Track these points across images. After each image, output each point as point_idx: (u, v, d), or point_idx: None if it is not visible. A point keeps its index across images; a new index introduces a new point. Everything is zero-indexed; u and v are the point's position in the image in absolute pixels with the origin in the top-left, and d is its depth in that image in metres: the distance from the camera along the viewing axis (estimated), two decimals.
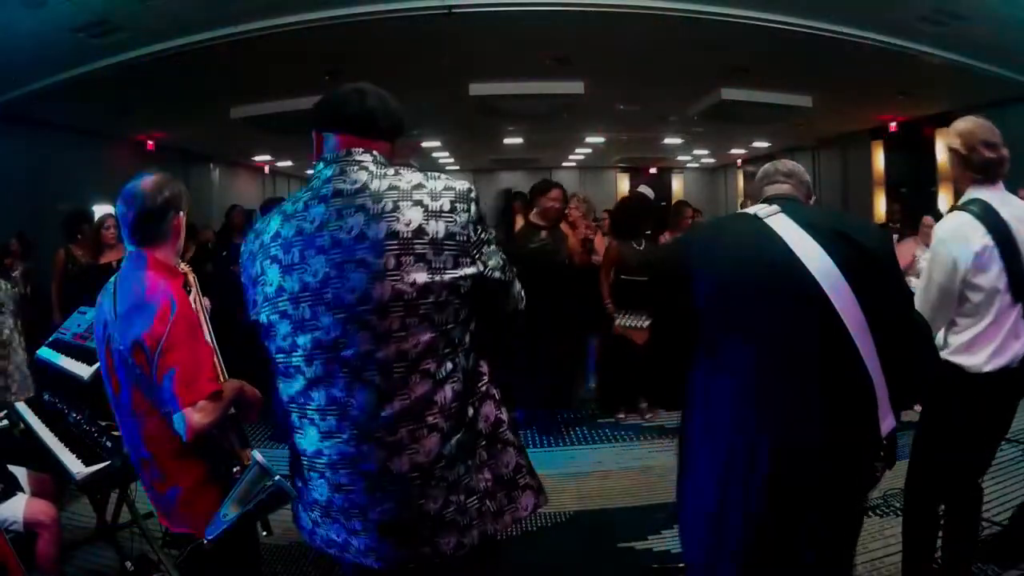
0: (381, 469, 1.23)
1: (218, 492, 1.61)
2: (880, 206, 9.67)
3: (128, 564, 2.54)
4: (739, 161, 14.76)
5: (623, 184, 15.64)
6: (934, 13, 4.88)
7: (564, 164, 14.73)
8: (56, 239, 5.03)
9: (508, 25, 5.32)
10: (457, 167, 14.43)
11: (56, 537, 2.30)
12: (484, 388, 1.33)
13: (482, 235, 1.29)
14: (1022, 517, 2.64)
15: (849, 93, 7.29)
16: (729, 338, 1.46)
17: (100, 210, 6.68)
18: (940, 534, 2.23)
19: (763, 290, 1.46)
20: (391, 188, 1.24)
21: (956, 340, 2.06)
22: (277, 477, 1.52)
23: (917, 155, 8.85)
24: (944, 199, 7.82)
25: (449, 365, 1.25)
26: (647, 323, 3.25)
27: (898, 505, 2.93)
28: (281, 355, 1.29)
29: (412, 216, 1.22)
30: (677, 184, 16.16)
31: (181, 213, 1.75)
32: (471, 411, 1.29)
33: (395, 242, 1.20)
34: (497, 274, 1.31)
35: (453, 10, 4.94)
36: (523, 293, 1.43)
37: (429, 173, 1.30)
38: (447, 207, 1.24)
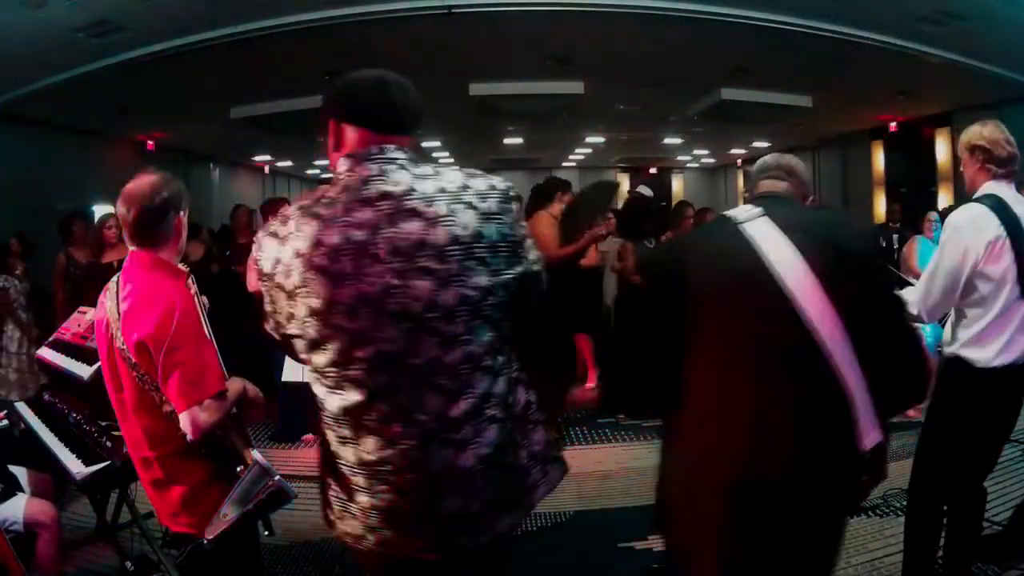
0: (449, 467, 1.23)
1: (221, 492, 1.61)
2: (880, 206, 9.67)
3: (128, 564, 2.54)
4: (739, 161, 14.74)
5: (623, 184, 15.63)
6: (934, 13, 4.87)
7: (564, 164, 14.70)
8: (56, 239, 5.03)
9: (508, 25, 5.31)
10: (457, 167, 14.38)
11: (56, 537, 2.30)
12: (517, 373, 1.34)
13: (524, 231, 1.30)
14: (1022, 517, 2.64)
15: (849, 93, 7.28)
16: (702, 346, 1.44)
17: (100, 210, 6.69)
18: (942, 534, 2.24)
19: (730, 298, 1.44)
20: (439, 191, 1.22)
21: (965, 334, 2.08)
22: (277, 477, 1.52)
23: (917, 155, 8.85)
24: (944, 199, 7.82)
25: (501, 358, 1.27)
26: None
27: (898, 505, 2.93)
28: (332, 369, 1.22)
29: (467, 220, 1.20)
30: (677, 184, 16.14)
31: (181, 213, 1.75)
32: (513, 397, 1.32)
33: (456, 247, 1.19)
34: (536, 267, 1.32)
35: (453, 10, 4.94)
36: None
37: (466, 170, 1.29)
38: (496, 208, 1.24)
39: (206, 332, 1.71)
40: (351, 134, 1.29)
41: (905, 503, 2.36)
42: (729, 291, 1.44)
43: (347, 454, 1.27)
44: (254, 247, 1.30)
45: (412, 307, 1.17)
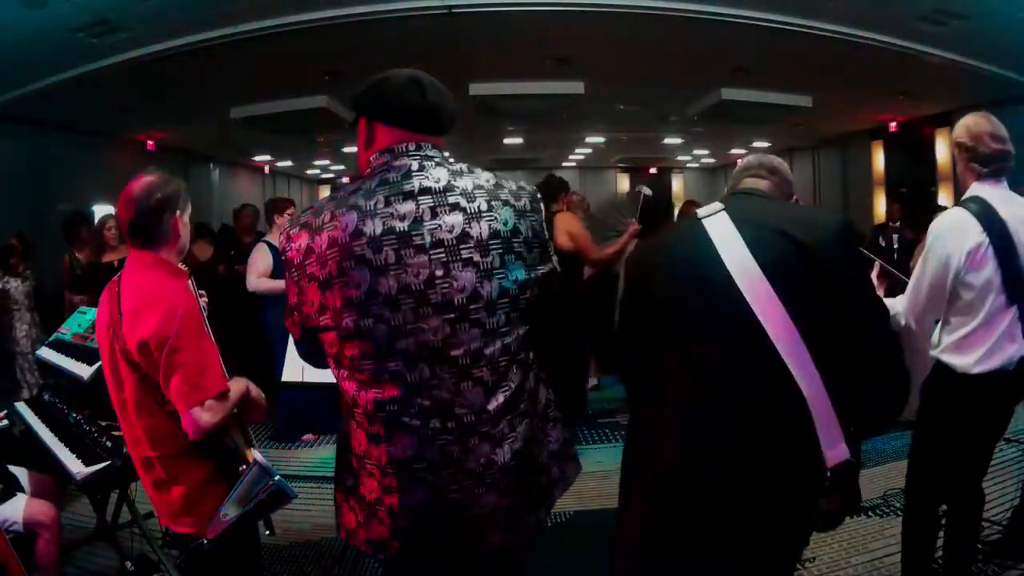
0: (487, 463, 1.24)
1: (222, 492, 1.61)
2: (880, 206, 9.67)
3: (128, 564, 2.54)
4: (739, 161, 14.75)
5: (623, 184, 15.62)
6: (934, 13, 4.87)
7: (564, 164, 14.69)
8: (56, 239, 5.03)
9: (508, 25, 5.31)
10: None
11: (56, 537, 2.30)
12: (539, 370, 1.36)
13: (548, 231, 1.34)
14: (1022, 517, 2.64)
15: (849, 93, 7.28)
16: (667, 346, 1.43)
17: (100, 210, 6.70)
18: (940, 534, 2.23)
19: (684, 297, 1.42)
20: (477, 187, 1.25)
21: (948, 339, 2.06)
22: (277, 477, 1.52)
23: (917, 155, 8.85)
24: (944, 199, 7.82)
25: (531, 353, 1.30)
26: None
27: (898, 505, 2.93)
28: (369, 362, 1.22)
29: (506, 216, 1.24)
30: (677, 184, 16.14)
31: (179, 213, 1.74)
32: (538, 393, 1.34)
33: (498, 241, 1.22)
34: (558, 266, 1.36)
35: (453, 10, 4.93)
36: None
37: (494, 172, 1.32)
38: (528, 207, 1.28)
39: (208, 332, 1.71)
40: (385, 133, 1.30)
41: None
42: (688, 290, 1.43)
43: (379, 453, 1.25)
44: (281, 240, 1.29)
45: (456, 298, 1.19)
